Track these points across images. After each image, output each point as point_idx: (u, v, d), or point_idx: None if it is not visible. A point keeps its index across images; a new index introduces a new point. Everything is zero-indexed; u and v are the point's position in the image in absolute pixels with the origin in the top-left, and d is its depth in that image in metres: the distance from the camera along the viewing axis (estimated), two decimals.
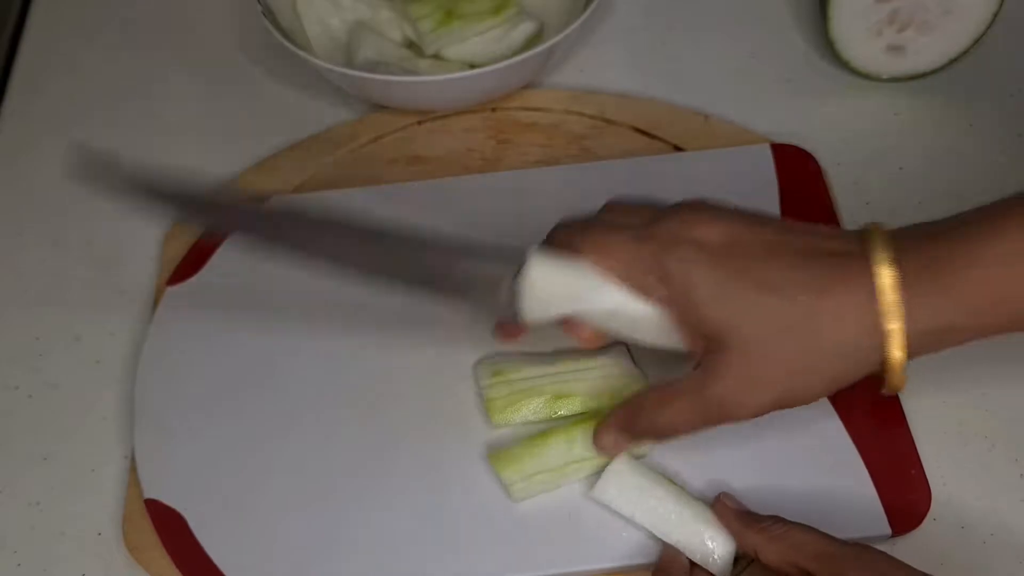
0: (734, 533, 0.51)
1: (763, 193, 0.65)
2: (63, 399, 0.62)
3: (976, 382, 0.59)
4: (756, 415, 0.47)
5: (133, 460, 0.57)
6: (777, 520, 0.50)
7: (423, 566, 0.53)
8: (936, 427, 0.57)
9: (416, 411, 0.58)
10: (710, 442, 0.55)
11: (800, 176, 0.66)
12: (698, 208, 0.49)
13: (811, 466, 0.54)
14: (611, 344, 0.55)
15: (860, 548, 0.47)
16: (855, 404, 0.56)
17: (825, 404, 0.56)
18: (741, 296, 0.45)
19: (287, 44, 0.68)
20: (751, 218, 0.48)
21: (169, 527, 0.55)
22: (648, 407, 0.50)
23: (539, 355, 0.58)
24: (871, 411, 0.56)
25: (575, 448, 0.54)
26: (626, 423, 0.52)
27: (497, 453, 0.55)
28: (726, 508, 0.52)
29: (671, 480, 0.54)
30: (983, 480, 0.55)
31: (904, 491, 0.53)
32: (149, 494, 0.56)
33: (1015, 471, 0.56)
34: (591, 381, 0.57)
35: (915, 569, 0.45)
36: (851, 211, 0.66)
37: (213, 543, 0.54)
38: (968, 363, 0.59)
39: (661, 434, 0.51)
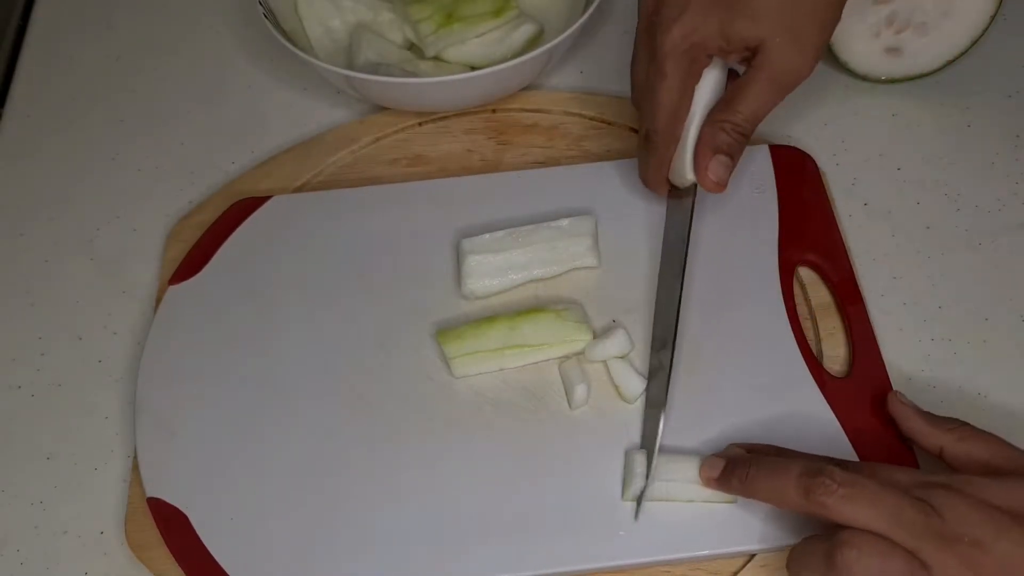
0: (917, 432, 0.53)
1: (762, 194, 0.65)
2: (65, 398, 0.62)
3: (973, 382, 0.59)
4: (814, 66, 0.58)
5: (135, 459, 0.58)
6: (962, 423, 0.52)
7: (424, 564, 0.53)
8: None
9: (418, 410, 0.58)
10: (712, 447, 0.56)
11: (798, 177, 0.66)
12: None
13: None
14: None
15: None
16: (854, 405, 0.56)
17: (825, 406, 0.56)
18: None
19: (289, 46, 0.69)
20: None
21: (171, 525, 0.55)
22: (729, 106, 0.58)
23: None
24: (869, 411, 0.56)
25: (516, 333, 0.58)
26: (715, 133, 0.58)
27: (445, 331, 0.59)
28: (906, 408, 0.54)
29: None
30: None
31: None
32: (151, 492, 0.56)
33: None
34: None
35: None
36: (849, 211, 0.66)
37: (215, 541, 0.54)
38: (965, 364, 0.60)
39: (751, 122, 0.58)
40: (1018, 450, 0.50)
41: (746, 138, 0.59)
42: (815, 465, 0.48)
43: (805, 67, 0.57)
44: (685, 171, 0.60)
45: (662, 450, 0.55)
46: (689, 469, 0.53)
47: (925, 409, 0.53)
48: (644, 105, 0.60)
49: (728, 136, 0.58)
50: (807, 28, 0.57)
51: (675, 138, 0.59)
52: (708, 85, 0.59)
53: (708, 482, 0.52)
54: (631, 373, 0.58)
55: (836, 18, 0.58)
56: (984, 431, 0.51)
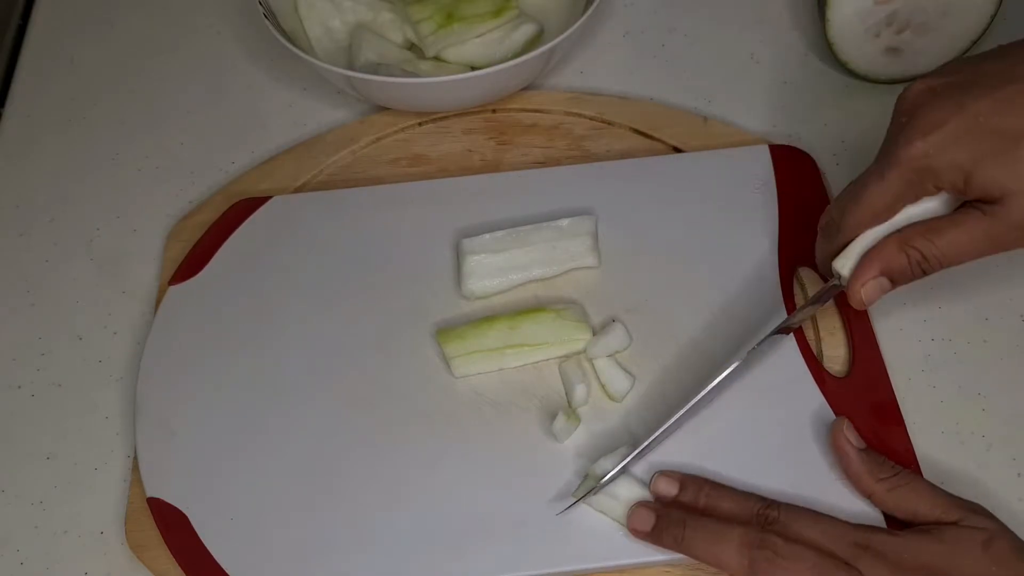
0: (851, 473, 0.53)
1: (761, 194, 0.65)
2: (66, 398, 0.62)
3: (973, 382, 0.59)
4: None
5: (135, 459, 0.58)
6: (896, 472, 0.52)
7: (424, 564, 0.53)
8: (933, 427, 0.57)
9: (418, 410, 0.58)
10: (711, 448, 0.56)
11: (798, 177, 0.66)
12: None
13: (810, 466, 0.55)
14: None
15: (973, 504, 0.50)
16: (854, 405, 0.56)
17: (825, 406, 0.56)
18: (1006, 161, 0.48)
19: (289, 46, 0.69)
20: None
21: (171, 525, 0.55)
22: (930, 234, 0.51)
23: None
24: (869, 411, 0.56)
25: (516, 333, 0.58)
26: (897, 253, 0.52)
27: (445, 331, 0.59)
28: (846, 446, 0.53)
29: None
30: (981, 480, 0.55)
31: None
32: (151, 492, 0.56)
33: (1012, 470, 0.56)
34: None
35: (1019, 537, 0.49)
36: None
37: (215, 541, 0.54)
38: (965, 364, 0.60)
39: (941, 263, 0.52)
40: (945, 498, 0.50)
41: (924, 275, 0.53)
42: (756, 535, 0.49)
43: None
44: (840, 264, 0.55)
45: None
46: (631, 494, 0.53)
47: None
48: (846, 193, 0.54)
49: (907, 264, 0.52)
50: None
51: (852, 238, 0.55)
52: (919, 209, 0.53)
53: (636, 534, 0.52)
54: (618, 372, 0.58)
55: None
56: (916, 479, 0.52)
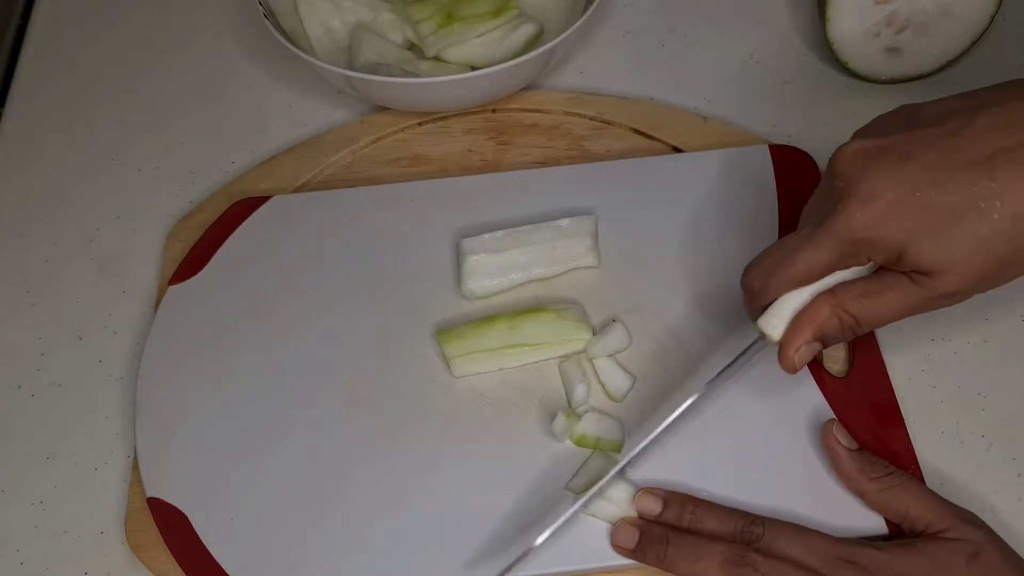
0: (844, 473, 0.53)
1: (761, 194, 0.65)
2: (66, 398, 0.62)
3: (973, 382, 0.59)
4: (971, 295, 0.50)
5: (135, 459, 0.58)
6: (889, 472, 0.52)
7: (424, 564, 0.53)
8: (933, 427, 0.57)
9: (418, 410, 0.58)
10: (712, 446, 0.56)
11: (798, 177, 0.66)
12: None
13: (809, 465, 0.55)
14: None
15: (964, 512, 0.50)
16: (854, 405, 0.56)
17: (825, 406, 0.56)
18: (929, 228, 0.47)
19: (289, 46, 0.69)
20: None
21: (171, 525, 0.55)
22: (863, 297, 0.50)
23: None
24: (869, 411, 0.56)
25: (516, 333, 0.58)
26: (830, 317, 0.51)
27: (445, 331, 0.59)
28: (837, 447, 0.53)
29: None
30: (980, 479, 0.55)
31: None
32: (151, 492, 0.56)
33: (1012, 470, 0.56)
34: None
35: (1009, 547, 0.49)
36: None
37: (215, 541, 0.54)
38: (965, 364, 0.60)
39: (871, 324, 0.51)
40: (937, 502, 0.51)
41: (854, 336, 0.52)
42: (738, 552, 0.49)
43: (956, 300, 0.50)
44: (769, 325, 0.53)
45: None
46: (625, 500, 0.53)
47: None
48: (770, 256, 0.53)
49: (840, 327, 0.51)
50: (989, 279, 0.49)
51: (775, 299, 0.53)
52: (848, 273, 0.51)
53: (620, 551, 0.52)
54: (618, 372, 0.58)
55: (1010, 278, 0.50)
56: (909, 480, 0.52)
